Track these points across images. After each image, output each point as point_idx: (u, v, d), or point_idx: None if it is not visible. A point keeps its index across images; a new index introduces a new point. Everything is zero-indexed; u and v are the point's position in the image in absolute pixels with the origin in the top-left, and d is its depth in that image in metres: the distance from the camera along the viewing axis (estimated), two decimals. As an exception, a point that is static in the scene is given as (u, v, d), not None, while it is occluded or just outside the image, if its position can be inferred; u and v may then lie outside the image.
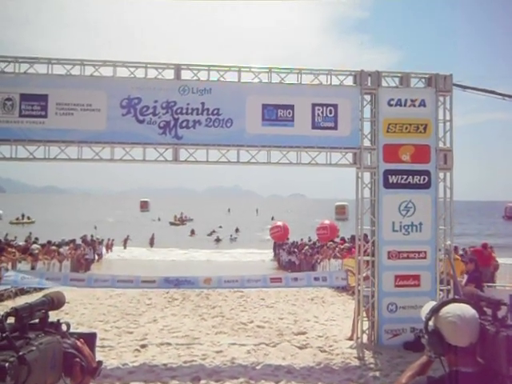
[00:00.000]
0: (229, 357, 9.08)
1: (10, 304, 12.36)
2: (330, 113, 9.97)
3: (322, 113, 9.96)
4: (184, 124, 9.65)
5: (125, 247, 38.69)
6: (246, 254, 35.98)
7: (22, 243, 22.45)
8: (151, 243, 42.96)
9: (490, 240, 21.15)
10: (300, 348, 9.74)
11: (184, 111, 9.65)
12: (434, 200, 10.14)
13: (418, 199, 10.04)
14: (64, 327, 1.63)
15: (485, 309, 2.20)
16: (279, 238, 27.80)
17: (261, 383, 7.93)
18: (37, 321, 1.53)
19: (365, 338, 10.08)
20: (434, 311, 2.21)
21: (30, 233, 29.60)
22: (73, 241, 26.04)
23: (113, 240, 36.43)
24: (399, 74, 10.40)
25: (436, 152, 10.15)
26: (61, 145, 9.56)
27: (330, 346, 9.87)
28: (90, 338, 1.73)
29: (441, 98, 10.31)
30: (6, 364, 1.26)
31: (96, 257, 29.20)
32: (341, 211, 70.06)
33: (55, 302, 1.61)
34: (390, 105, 10.12)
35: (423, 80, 10.43)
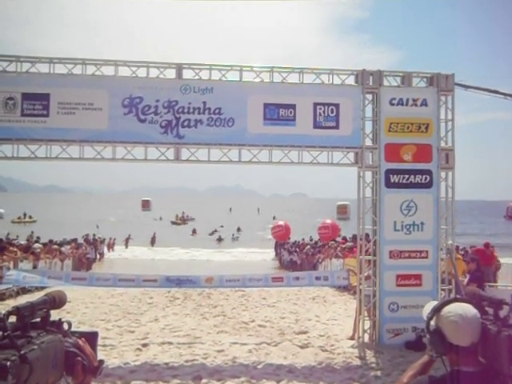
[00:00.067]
0: (230, 356, 9.08)
1: (11, 303, 12.37)
2: (332, 112, 9.96)
3: (324, 112, 9.95)
4: (186, 123, 9.65)
5: (126, 246, 38.72)
6: (248, 254, 36.00)
7: (23, 242, 22.51)
8: (152, 242, 42.99)
9: (491, 240, 21.13)
10: (301, 347, 9.74)
11: (186, 110, 9.65)
12: (436, 199, 10.13)
13: (420, 199, 10.04)
14: (65, 326, 1.63)
15: (486, 308, 2.20)
16: (281, 237, 27.85)
17: (262, 382, 7.93)
18: (38, 320, 1.54)
19: (366, 338, 10.07)
20: (436, 311, 2.21)
21: (32, 232, 29.67)
22: (74, 240, 26.07)
23: (114, 239, 36.47)
24: (401, 74, 10.39)
25: (438, 151, 10.14)
26: (62, 144, 9.56)
27: (332, 346, 9.86)
28: (91, 337, 1.73)
29: (442, 98, 10.30)
30: (8, 363, 1.26)
31: (98, 256, 29.24)
32: (342, 211, 70.01)
33: (57, 301, 1.61)
34: (392, 104, 10.12)
35: (425, 79, 10.42)
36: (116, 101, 9.54)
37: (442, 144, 10.25)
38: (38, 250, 19.08)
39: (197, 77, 9.84)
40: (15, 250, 18.36)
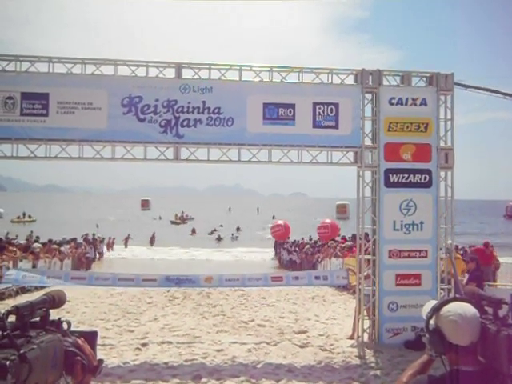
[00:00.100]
0: (229, 355, 9.08)
1: (11, 302, 12.37)
2: (331, 112, 9.96)
3: (323, 112, 9.95)
4: (185, 123, 9.65)
5: (126, 246, 38.71)
6: (247, 253, 36.00)
7: (23, 242, 22.51)
8: (152, 242, 42.97)
9: (491, 239, 21.15)
10: (301, 347, 9.74)
11: (185, 110, 9.65)
12: (435, 199, 10.14)
13: (419, 198, 10.04)
14: (65, 325, 1.63)
15: (486, 308, 2.20)
16: (280, 236, 27.85)
17: (261, 382, 7.93)
18: (38, 319, 1.54)
19: (365, 337, 10.08)
20: (435, 310, 2.21)
21: (32, 231, 29.66)
22: (74, 239, 26.07)
23: (114, 239, 36.45)
24: (400, 73, 10.39)
25: (437, 151, 10.14)
26: (62, 143, 9.56)
27: (331, 345, 9.87)
28: (90, 337, 1.73)
29: (442, 97, 10.30)
30: (7, 362, 1.26)
31: (97, 255, 29.24)
32: (342, 210, 70.07)
33: (56, 301, 1.61)
34: (391, 103, 10.12)
35: (424, 79, 10.42)
36: (115, 100, 9.54)
37: (442, 143, 10.26)
38: (38, 250, 19.08)
39: (196, 76, 9.84)
40: (14, 249, 18.36)
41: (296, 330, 11.06)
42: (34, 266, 16.61)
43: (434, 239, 10.07)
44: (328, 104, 9.96)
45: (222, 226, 60.89)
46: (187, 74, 9.83)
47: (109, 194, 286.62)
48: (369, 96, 10.28)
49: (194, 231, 56.62)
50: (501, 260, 17.67)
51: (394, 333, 9.87)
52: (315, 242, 26.96)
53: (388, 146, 10.10)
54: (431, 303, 2.28)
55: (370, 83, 10.15)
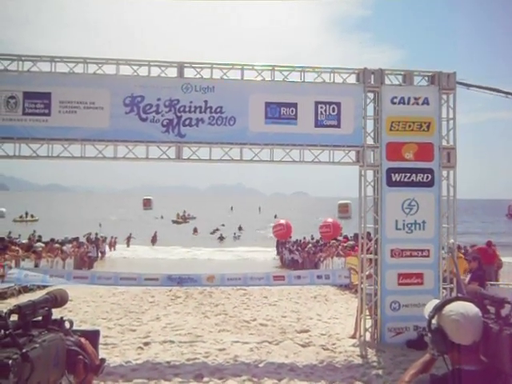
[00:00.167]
0: (232, 354, 9.08)
1: (13, 302, 12.38)
2: (333, 111, 9.95)
3: (325, 111, 9.94)
4: (187, 122, 9.65)
5: (128, 245, 38.78)
6: (249, 252, 36.01)
7: (25, 241, 22.55)
8: (153, 241, 42.99)
9: (493, 238, 21.10)
10: (303, 346, 9.74)
11: (187, 109, 9.65)
12: (438, 198, 10.12)
13: (422, 197, 10.02)
14: (67, 325, 1.63)
15: (488, 307, 2.20)
16: (282, 236, 27.82)
17: (264, 381, 7.92)
18: (40, 318, 1.54)
19: (368, 336, 10.07)
20: (438, 309, 2.21)
21: (34, 231, 29.69)
22: (76, 239, 26.11)
23: (116, 238, 36.50)
24: (402, 72, 10.37)
25: (439, 150, 10.12)
26: (64, 143, 9.57)
27: (333, 344, 9.86)
28: (93, 336, 1.73)
29: (444, 96, 10.28)
30: (10, 361, 1.26)
31: (99, 255, 29.28)
32: (344, 209, 70.03)
33: (58, 300, 1.62)
34: (393, 103, 10.10)
35: (426, 78, 10.40)
36: (117, 100, 9.54)
37: (444, 143, 10.23)
38: (40, 249, 19.12)
39: (198, 76, 9.84)
40: (17, 248, 18.41)
41: (298, 329, 11.06)
42: (36, 265, 16.65)
43: (436, 238, 10.05)
44: (330, 103, 9.94)
45: (223, 225, 60.90)
46: (189, 73, 9.83)
47: (111, 194, 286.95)
48: (371, 95, 10.26)
49: (195, 230, 56.63)
50: (503, 259, 17.64)
51: (396, 332, 9.86)
52: (317, 242, 26.96)
53: (390, 145, 10.08)
54: (433, 302, 2.28)
55: (372, 82, 10.13)
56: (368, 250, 10.41)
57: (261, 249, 37.53)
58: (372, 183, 10.29)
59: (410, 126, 10.08)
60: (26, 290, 14.87)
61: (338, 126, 9.95)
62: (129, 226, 52.67)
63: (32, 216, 65.09)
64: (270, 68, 10.03)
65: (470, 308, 2.16)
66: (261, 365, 8.62)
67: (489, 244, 17.48)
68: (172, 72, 9.79)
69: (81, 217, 65.50)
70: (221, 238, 49.51)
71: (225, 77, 9.90)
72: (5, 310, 1.42)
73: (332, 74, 10.12)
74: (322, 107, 9.92)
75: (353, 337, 10.33)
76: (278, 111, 9.82)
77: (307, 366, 8.64)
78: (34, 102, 9.36)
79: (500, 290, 12.77)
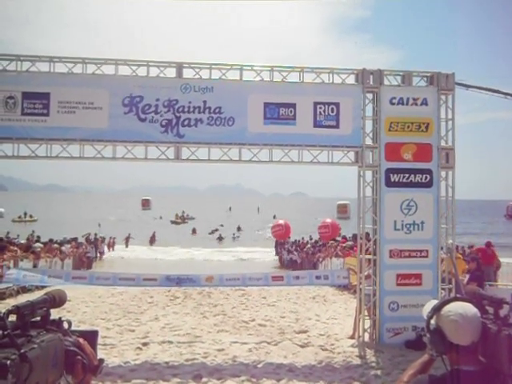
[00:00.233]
0: (230, 355, 9.08)
1: (11, 302, 12.38)
2: (332, 111, 9.96)
3: (324, 111, 9.94)
4: (186, 122, 9.65)
5: (126, 246, 38.77)
6: (248, 253, 36.03)
7: (24, 241, 22.54)
8: (151, 242, 42.94)
9: (491, 239, 21.11)
10: (301, 346, 9.74)
11: (186, 110, 9.65)
12: (436, 199, 10.13)
13: (420, 198, 10.03)
14: (65, 325, 1.63)
15: (487, 307, 2.20)
16: (281, 236, 27.82)
17: (262, 381, 7.92)
18: (38, 319, 1.54)
19: (366, 337, 10.08)
20: (436, 310, 2.21)
21: (33, 231, 29.69)
22: (75, 239, 26.10)
23: (114, 238, 36.50)
24: (401, 73, 10.38)
25: (438, 151, 10.13)
26: (63, 143, 9.56)
27: (332, 345, 9.87)
28: (91, 336, 1.73)
29: (443, 97, 10.29)
30: (8, 361, 1.26)
31: (98, 255, 29.27)
32: (342, 210, 70.11)
33: (57, 300, 1.62)
34: (392, 103, 10.11)
35: (425, 79, 10.41)
36: (116, 100, 9.54)
37: (443, 143, 10.25)
38: (39, 249, 19.11)
39: (197, 76, 9.84)
40: (15, 249, 18.39)
41: (297, 329, 11.06)
42: (34, 266, 16.64)
43: (435, 239, 10.06)
44: (329, 104, 9.95)
45: (222, 225, 60.91)
46: (188, 73, 9.83)
47: (109, 194, 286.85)
48: (370, 96, 10.27)
49: (194, 231, 56.66)
50: (502, 260, 17.65)
51: (394, 332, 9.87)
52: (316, 242, 26.97)
53: (389, 146, 10.09)
54: (432, 303, 2.28)
55: (371, 83, 10.14)
56: (367, 250, 10.42)
57: (259, 249, 37.55)
58: (371, 184, 10.30)
59: (408, 127, 10.09)
60: (25, 290, 14.85)
61: (337, 126, 9.96)
62: (127, 226, 52.68)
63: (31, 216, 65.05)
64: (269, 68, 10.03)
65: (468, 308, 2.17)
66: (259, 365, 8.62)
67: (488, 245, 17.51)
68: (171, 72, 9.79)
69: (79, 217, 65.48)
70: (220, 239, 49.53)
71: (224, 77, 9.91)
72: (3, 311, 1.42)
73: (331, 75, 10.13)
74: (320, 107, 9.93)
75: (351, 337, 10.33)
76: (277, 111, 9.82)
77: (306, 366, 8.64)
78: (32, 102, 9.35)
79: (498, 290, 12.78)
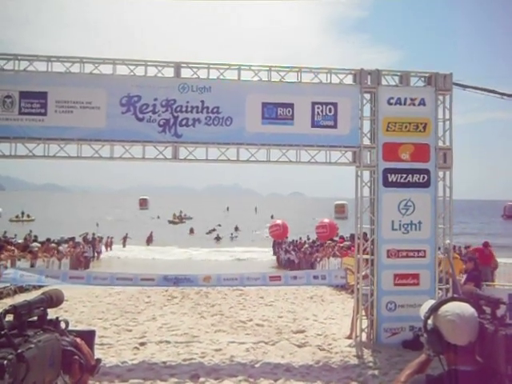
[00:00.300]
0: (228, 355, 9.08)
1: (8, 302, 12.36)
2: (330, 111, 9.96)
3: (322, 111, 9.95)
4: (183, 122, 9.64)
5: (124, 245, 38.69)
6: (246, 253, 36.00)
7: (21, 241, 22.48)
8: (148, 242, 42.84)
9: (489, 239, 21.13)
10: (299, 346, 9.75)
11: (184, 109, 9.64)
12: (434, 199, 10.14)
13: (418, 198, 10.05)
14: (63, 325, 1.63)
15: (484, 307, 2.21)
16: (278, 236, 27.80)
17: (260, 381, 7.93)
18: (35, 318, 1.53)
19: (364, 337, 10.09)
20: (433, 310, 2.21)
21: (30, 231, 29.63)
22: (72, 239, 26.05)
23: (112, 238, 36.42)
24: (399, 73, 10.39)
25: (435, 151, 10.15)
26: (60, 142, 9.55)
27: (329, 345, 9.88)
28: (88, 336, 1.73)
29: (440, 97, 10.31)
30: (5, 361, 1.26)
31: (95, 255, 29.21)
32: (340, 210, 70.16)
33: (54, 300, 1.61)
34: (390, 103, 10.12)
35: (423, 79, 10.43)
36: (114, 99, 9.53)
37: (440, 143, 10.26)
38: (36, 249, 19.06)
39: (195, 76, 9.83)
40: (13, 248, 18.36)
41: (294, 329, 11.07)
42: (32, 265, 16.60)
43: (433, 239, 10.07)
44: (327, 104, 9.95)
45: (220, 225, 60.83)
46: (186, 73, 9.83)
47: (107, 193, 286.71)
48: (367, 96, 10.28)
49: (192, 231, 56.58)
50: (499, 260, 17.67)
51: (392, 332, 9.88)
52: (313, 242, 26.98)
53: (386, 146, 10.10)
54: (429, 303, 2.29)
55: (369, 83, 10.15)
56: (364, 250, 10.43)
57: (257, 249, 37.52)
58: (368, 184, 10.31)
59: (406, 127, 10.10)
60: (22, 290, 14.83)
61: (335, 126, 9.96)
62: (125, 226, 52.59)
63: (28, 216, 64.90)
64: (267, 68, 10.03)
65: (465, 308, 2.17)
66: (257, 365, 8.63)
67: (485, 245, 17.52)
68: (169, 72, 9.78)
69: (77, 217, 65.35)
70: (217, 239, 49.47)
71: (221, 77, 9.91)
72: (0, 310, 1.41)
73: (329, 75, 10.13)
74: (318, 108, 9.93)
75: (349, 337, 10.34)
76: (275, 111, 9.83)
77: (303, 366, 8.65)
78: (30, 101, 9.34)
79: (496, 290, 12.79)
